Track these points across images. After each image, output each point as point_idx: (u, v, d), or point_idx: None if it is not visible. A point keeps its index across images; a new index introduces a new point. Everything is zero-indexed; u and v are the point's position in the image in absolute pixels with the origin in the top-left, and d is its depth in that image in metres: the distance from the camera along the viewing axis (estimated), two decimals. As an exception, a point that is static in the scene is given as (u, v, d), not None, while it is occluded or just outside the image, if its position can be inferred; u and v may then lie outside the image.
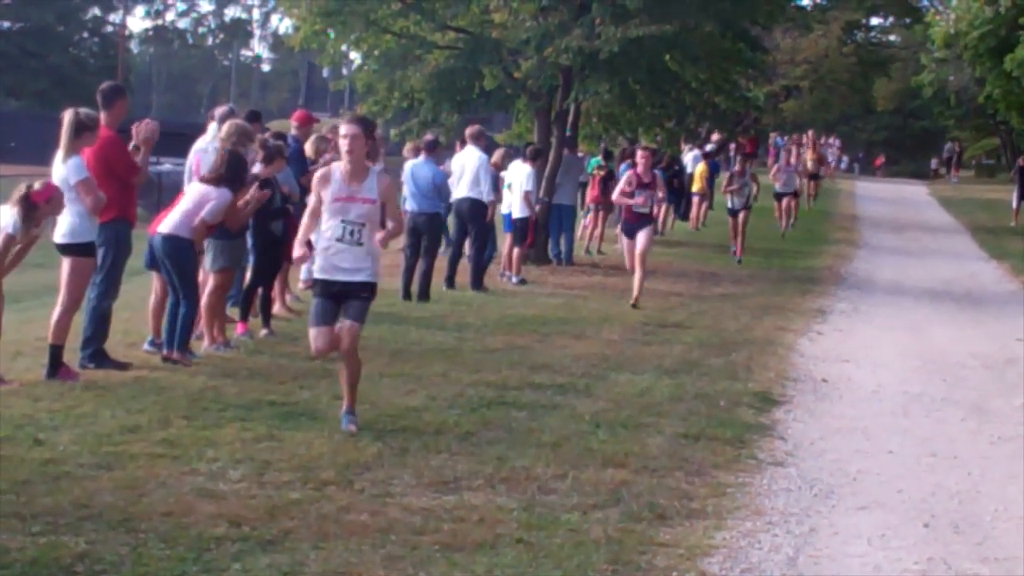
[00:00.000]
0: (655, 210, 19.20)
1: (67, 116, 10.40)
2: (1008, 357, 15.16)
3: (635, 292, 17.48)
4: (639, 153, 18.82)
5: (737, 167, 25.64)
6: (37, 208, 9.94)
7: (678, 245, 27.47)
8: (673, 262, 23.85)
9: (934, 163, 73.68)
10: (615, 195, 18.60)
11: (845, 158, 50.55)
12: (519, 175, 19.62)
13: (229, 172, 11.67)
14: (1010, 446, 10.63)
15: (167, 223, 11.41)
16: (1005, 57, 35.70)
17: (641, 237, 17.74)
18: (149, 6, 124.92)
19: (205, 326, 12.15)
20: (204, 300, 11.98)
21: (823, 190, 42.25)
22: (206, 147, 12.98)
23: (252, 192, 11.95)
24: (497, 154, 19.57)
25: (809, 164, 38.51)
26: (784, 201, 30.71)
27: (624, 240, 18.54)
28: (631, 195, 17.80)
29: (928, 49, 52.50)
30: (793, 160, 33.89)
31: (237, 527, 6.95)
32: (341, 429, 9.19)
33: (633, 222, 18.02)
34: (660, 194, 18.45)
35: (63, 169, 10.36)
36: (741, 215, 24.86)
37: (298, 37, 22.67)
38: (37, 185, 10.01)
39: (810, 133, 44.18)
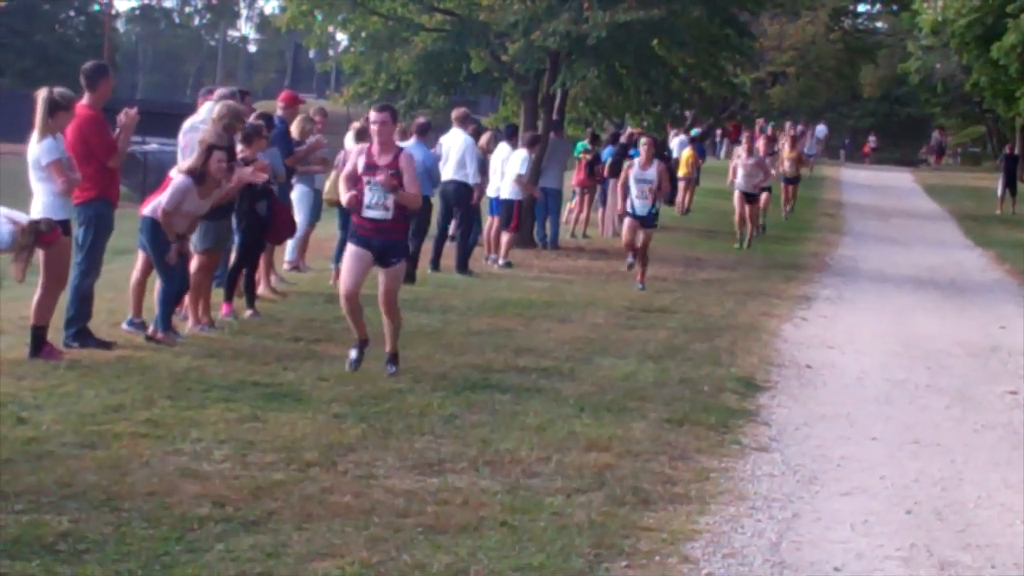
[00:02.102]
0: (401, 201, 10.55)
1: (41, 95, 10.26)
2: (992, 345, 15.19)
3: (388, 344, 10.95)
4: (372, 115, 10.73)
5: (642, 156, 17.82)
6: (37, 243, 9.84)
7: (663, 230, 27.35)
8: (658, 247, 23.72)
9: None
10: (340, 181, 11.03)
11: (806, 148, 49.74)
12: (513, 159, 19.58)
13: (200, 163, 11.59)
14: (993, 434, 10.66)
15: (148, 205, 11.50)
16: (992, 45, 35.67)
17: (386, 275, 10.72)
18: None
19: (190, 306, 12.12)
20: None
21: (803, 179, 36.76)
22: (196, 125, 12.92)
23: (240, 172, 11.95)
24: (484, 137, 19.54)
25: (787, 164, 31.25)
26: (749, 205, 24.74)
27: (350, 251, 10.76)
28: (364, 184, 10.50)
29: (915, 36, 52.52)
30: (761, 150, 27.46)
31: (220, 507, 6.95)
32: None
33: (367, 233, 10.60)
34: (407, 191, 10.48)
35: (37, 149, 10.28)
36: (642, 234, 17.85)
37: (285, 18, 22.65)
38: (44, 227, 9.84)
39: (787, 126, 42.93)
